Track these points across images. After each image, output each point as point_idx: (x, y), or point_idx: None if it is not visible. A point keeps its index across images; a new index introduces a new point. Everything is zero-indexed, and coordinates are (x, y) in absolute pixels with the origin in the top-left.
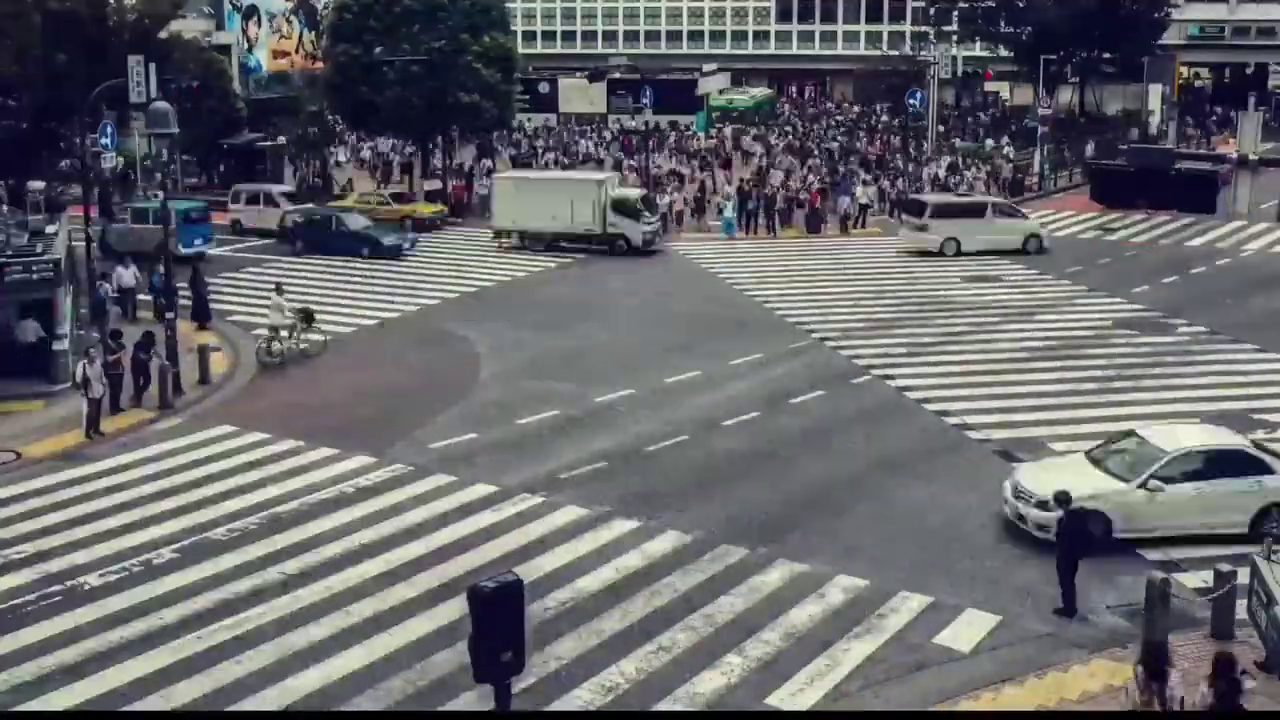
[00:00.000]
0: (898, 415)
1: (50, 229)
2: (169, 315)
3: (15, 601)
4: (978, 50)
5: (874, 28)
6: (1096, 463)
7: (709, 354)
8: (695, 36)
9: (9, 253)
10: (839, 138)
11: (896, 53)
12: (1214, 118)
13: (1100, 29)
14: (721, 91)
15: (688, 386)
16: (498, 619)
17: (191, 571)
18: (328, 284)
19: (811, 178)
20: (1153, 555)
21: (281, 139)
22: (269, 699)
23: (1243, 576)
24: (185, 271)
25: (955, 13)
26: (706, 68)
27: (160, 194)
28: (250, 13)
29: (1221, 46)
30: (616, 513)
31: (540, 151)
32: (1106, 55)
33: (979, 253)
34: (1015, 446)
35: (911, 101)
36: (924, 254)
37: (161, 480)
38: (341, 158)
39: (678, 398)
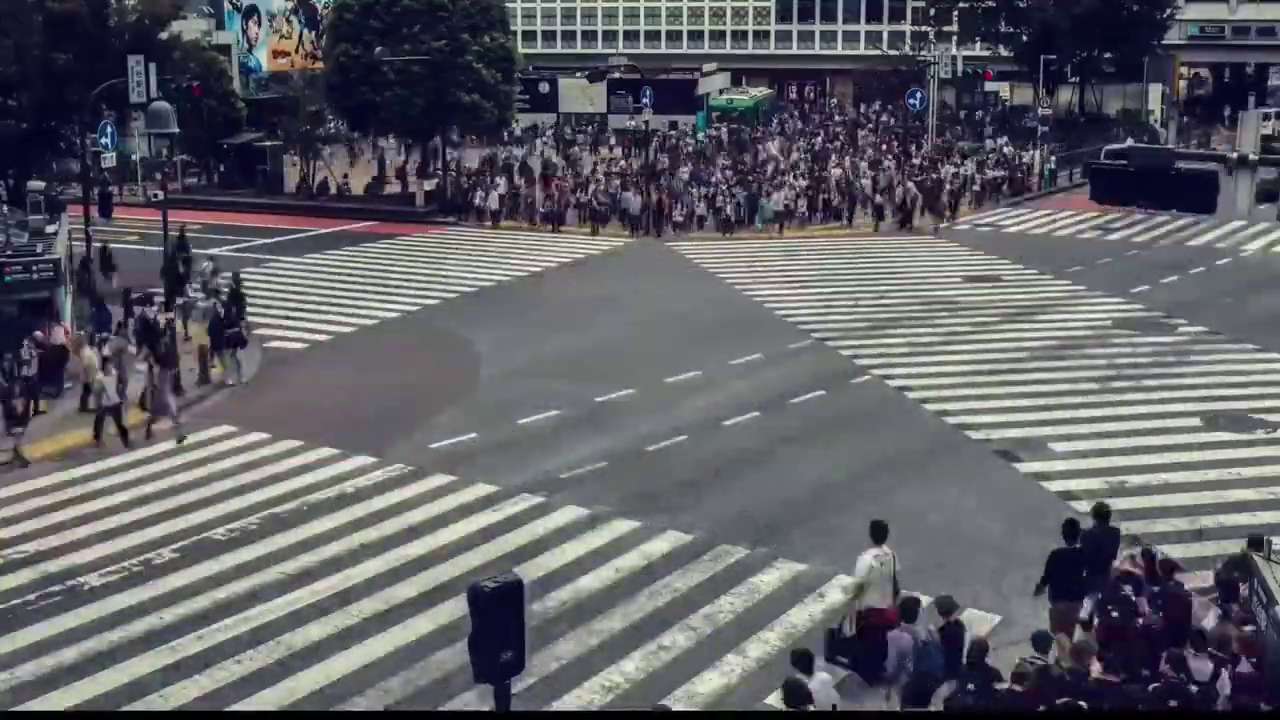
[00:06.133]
0: (898, 415)
1: (50, 229)
2: (169, 314)
3: (15, 601)
4: (978, 50)
5: (874, 28)
6: None
7: (709, 354)
8: (695, 36)
9: (9, 253)
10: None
11: (896, 53)
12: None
13: (1100, 29)
14: (721, 91)
15: (688, 386)
16: (498, 619)
17: (191, 571)
18: (328, 283)
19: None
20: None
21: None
22: (269, 699)
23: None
24: None
25: (955, 13)
26: (706, 68)
27: (160, 194)
28: (250, 13)
29: (1221, 46)
30: (616, 513)
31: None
32: (1107, 55)
33: None
34: (1015, 446)
35: (911, 101)
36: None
37: (161, 480)
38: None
39: (678, 398)
